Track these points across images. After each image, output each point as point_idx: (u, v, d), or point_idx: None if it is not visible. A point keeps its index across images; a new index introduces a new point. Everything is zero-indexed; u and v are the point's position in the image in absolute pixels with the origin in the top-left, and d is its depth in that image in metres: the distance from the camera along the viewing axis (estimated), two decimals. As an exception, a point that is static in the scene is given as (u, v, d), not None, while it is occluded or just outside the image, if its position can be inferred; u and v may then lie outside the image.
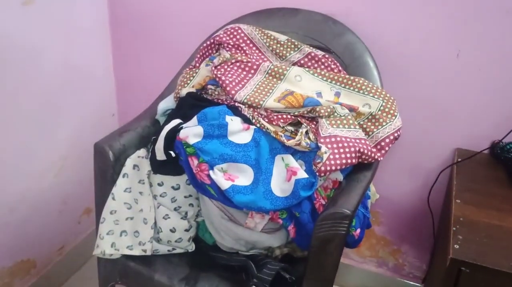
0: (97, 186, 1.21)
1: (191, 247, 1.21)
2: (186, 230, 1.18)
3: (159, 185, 1.19)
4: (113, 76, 1.76)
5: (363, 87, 1.21)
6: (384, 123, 1.16)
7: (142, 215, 1.17)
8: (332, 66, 1.29)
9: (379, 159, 1.13)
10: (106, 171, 1.18)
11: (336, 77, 1.24)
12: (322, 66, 1.29)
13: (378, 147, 1.15)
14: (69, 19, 1.49)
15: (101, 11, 1.63)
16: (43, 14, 1.38)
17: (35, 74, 1.41)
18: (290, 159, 1.11)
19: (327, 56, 1.29)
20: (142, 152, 1.22)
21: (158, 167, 1.18)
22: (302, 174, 1.08)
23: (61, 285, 1.69)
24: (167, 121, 1.21)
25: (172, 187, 1.19)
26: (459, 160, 1.31)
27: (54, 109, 1.52)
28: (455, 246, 1.00)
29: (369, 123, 1.17)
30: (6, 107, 1.34)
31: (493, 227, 1.06)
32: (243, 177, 1.09)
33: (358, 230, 1.12)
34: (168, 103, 1.30)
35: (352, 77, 1.23)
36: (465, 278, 0.98)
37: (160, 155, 1.15)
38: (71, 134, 1.61)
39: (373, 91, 1.21)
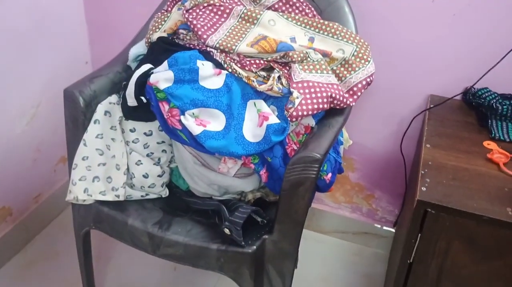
0: (68, 133, 1.19)
1: (165, 193, 1.21)
2: (159, 176, 1.19)
3: (131, 131, 1.19)
4: (85, 23, 1.71)
5: (337, 32, 1.20)
6: (357, 69, 1.16)
7: (114, 161, 1.16)
8: (307, 11, 1.27)
9: (351, 104, 1.13)
10: (77, 117, 1.17)
11: (310, 22, 1.22)
12: (297, 11, 1.27)
13: (351, 92, 1.15)
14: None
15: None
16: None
17: (4, 20, 1.37)
18: (262, 104, 1.11)
19: (301, 0, 1.27)
20: (113, 98, 1.21)
21: (129, 113, 1.17)
22: (274, 119, 1.08)
23: (38, 233, 1.70)
24: (138, 67, 1.19)
25: (144, 133, 1.19)
26: (432, 106, 1.32)
27: (26, 57, 1.48)
28: (422, 188, 1.02)
29: (342, 69, 1.16)
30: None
31: (460, 170, 1.08)
32: (215, 122, 1.09)
33: (330, 174, 1.14)
34: (139, 48, 1.27)
35: (326, 22, 1.22)
36: (430, 219, 1.01)
37: (131, 101, 1.14)
38: (43, 81, 1.58)
39: (347, 36, 1.19)
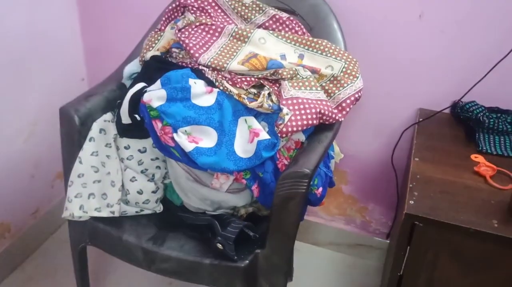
0: (64, 150, 1.22)
1: (159, 208, 1.24)
2: (153, 192, 1.21)
3: (125, 148, 1.21)
4: (81, 41, 1.74)
5: (326, 49, 1.23)
6: (345, 85, 1.18)
7: (109, 177, 1.19)
8: (297, 28, 1.30)
9: (340, 119, 1.16)
10: (73, 135, 1.19)
11: (300, 40, 1.25)
12: (287, 29, 1.30)
13: (340, 107, 1.17)
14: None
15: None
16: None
17: (1, 38, 1.40)
18: (252, 121, 1.13)
19: (291, 18, 1.30)
20: (108, 115, 1.23)
21: (124, 131, 1.19)
22: (264, 135, 1.11)
23: (37, 248, 1.72)
24: (132, 85, 1.22)
25: (139, 150, 1.21)
26: (420, 119, 1.35)
27: (21, 75, 1.51)
28: (410, 201, 1.04)
29: (331, 85, 1.19)
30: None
31: (447, 183, 1.11)
32: (207, 139, 1.12)
33: (320, 189, 1.16)
34: (133, 67, 1.30)
35: (315, 40, 1.25)
36: (418, 232, 1.03)
37: (126, 119, 1.17)
38: (40, 100, 1.60)
39: (335, 53, 1.22)
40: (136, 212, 1.21)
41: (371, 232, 1.71)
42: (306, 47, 1.25)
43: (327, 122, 1.15)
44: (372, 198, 1.65)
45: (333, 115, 1.14)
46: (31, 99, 1.57)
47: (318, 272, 1.69)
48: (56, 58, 1.64)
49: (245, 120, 1.14)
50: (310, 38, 1.25)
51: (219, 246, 1.07)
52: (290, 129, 1.08)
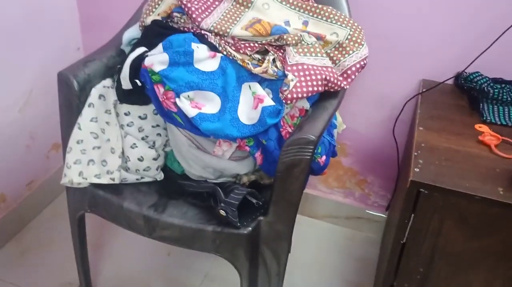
0: (62, 116, 1.19)
1: (160, 176, 1.22)
2: (154, 159, 1.19)
3: (125, 114, 1.19)
4: (77, 9, 1.70)
5: (331, 16, 1.21)
6: (350, 52, 1.16)
7: (109, 144, 1.17)
8: (301, -6, 1.27)
9: (345, 87, 1.14)
10: (71, 101, 1.16)
11: (304, 6, 1.23)
12: (291, -5, 1.27)
13: (345, 75, 1.16)
14: None
15: None
16: None
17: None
18: (257, 87, 1.11)
19: (295, -16, 1.27)
20: (107, 81, 1.21)
21: (124, 96, 1.17)
22: (268, 102, 1.09)
23: (32, 219, 1.70)
24: (132, 50, 1.19)
25: (139, 117, 1.19)
26: (424, 90, 1.34)
27: (16, 44, 1.48)
28: (415, 169, 1.04)
29: (336, 52, 1.17)
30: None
31: (452, 151, 1.10)
32: (210, 104, 1.10)
33: (324, 157, 1.15)
34: (133, 32, 1.27)
35: (320, 6, 1.22)
36: (423, 199, 1.03)
37: (126, 84, 1.14)
38: (35, 69, 1.57)
39: (340, 20, 1.20)
40: (137, 179, 1.19)
41: (370, 205, 1.71)
42: (311, 14, 1.22)
43: (332, 90, 1.13)
44: (372, 170, 1.64)
45: (339, 83, 1.12)
46: (26, 69, 1.54)
47: (316, 244, 1.70)
48: (51, 27, 1.61)
49: (249, 86, 1.12)
50: (315, 5, 1.23)
51: (222, 212, 1.06)
52: (295, 95, 1.06)
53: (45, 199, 1.75)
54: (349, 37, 1.19)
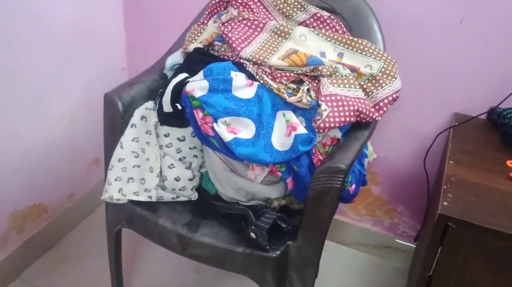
0: (106, 135, 1.26)
1: (194, 196, 1.27)
2: (190, 179, 1.25)
3: (165, 135, 1.25)
4: (124, 31, 1.79)
5: (366, 48, 1.24)
6: (384, 85, 1.20)
7: (148, 163, 1.23)
8: (337, 27, 1.32)
9: (377, 119, 1.17)
10: (115, 120, 1.23)
11: (339, 38, 1.27)
12: (327, 27, 1.32)
13: (377, 107, 1.19)
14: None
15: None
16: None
17: (49, 28, 1.46)
18: (291, 115, 1.16)
19: (332, 17, 1.32)
20: (150, 104, 1.27)
21: (164, 119, 1.23)
22: (301, 130, 1.13)
23: (71, 230, 1.78)
24: (174, 76, 1.25)
25: (178, 138, 1.25)
26: (456, 123, 1.35)
27: (67, 63, 1.57)
28: (444, 203, 1.05)
29: (369, 84, 1.21)
30: (23, 58, 1.40)
31: (481, 187, 1.11)
32: (245, 130, 1.14)
33: (354, 186, 1.17)
34: (176, 58, 1.34)
35: (355, 39, 1.26)
36: (451, 233, 1.04)
37: (167, 107, 1.20)
38: (82, 87, 1.66)
39: (375, 53, 1.24)
40: (172, 198, 1.25)
41: (399, 234, 1.72)
42: (346, 46, 1.26)
43: (364, 121, 1.16)
44: (402, 200, 1.65)
45: (371, 114, 1.15)
46: (74, 86, 1.63)
47: (343, 270, 1.71)
48: (99, 48, 1.70)
49: (283, 114, 1.16)
50: (350, 37, 1.27)
51: (252, 235, 1.10)
52: (327, 125, 1.10)
53: (84, 211, 1.82)
54: (382, 70, 1.22)
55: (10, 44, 1.35)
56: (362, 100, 1.15)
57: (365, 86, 1.20)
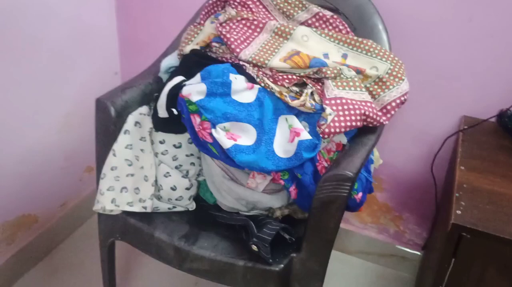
0: (98, 142, 1.20)
1: (192, 206, 1.21)
2: (187, 189, 1.18)
3: (160, 142, 1.18)
4: (116, 34, 1.73)
5: (371, 49, 1.19)
6: (391, 87, 1.14)
7: (143, 172, 1.16)
8: (340, 27, 1.26)
9: (384, 123, 1.11)
10: (108, 127, 1.17)
11: (343, 39, 1.21)
12: (330, 27, 1.26)
13: (384, 110, 1.13)
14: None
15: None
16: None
17: (42, 32, 1.41)
18: (294, 120, 1.09)
19: (335, 17, 1.26)
20: (144, 109, 1.21)
21: (160, 124, 1.17)
22: (305, 135, 1.07)
23: (63, 241, 1.70)
24: (170, 79, 1.19)
25: (174, 145, 1.19)
26: (465, 127, 1.30)
27: (58, 67, 1.51)
28: (457, 211, 0.99)
29: (375, 87, 1.15)
30: (15, 63, 1.34)
31: (496, 194, 1.05)
32: (246, 136, 1.08)
33: (360, 194, 1.12)
34: (171, 60, 1.28)
35: (360, 39, 1.20)
36: (465, 244, 0.98)
37: (162, 112, 1.14)
38: (74, 92, 1.60)
39: (381, 54, 1.18)
40: (168, 208, 1.18)
41: (405, 242, 1.65)
42: (350, 47, 1.21)
43: (370, 125, 1.10)
44: (408, 207, 1.59)
45: (378, 118, 1.09)
46: (66, 91, 1.57)
47: (347, 280, 1.64)
48: (91, 51, 1.64)
49: (286, 119, 1.10)
50: (355, 38, 1.21)
51: (254, 247, 1.03)
52: (333, 130, 1.04)
53: (77, 221, 1.75)
54: (389, 71, 1.16)
55: (6, 44, 1.29)
56: (368, 104, 1.09)
57: (371, 89, 1.14)
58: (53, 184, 1.61)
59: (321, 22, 1.27)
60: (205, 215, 1.20)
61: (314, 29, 1.23)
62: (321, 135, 1.05)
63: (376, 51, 1.18)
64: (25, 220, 1.54)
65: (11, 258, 1.51)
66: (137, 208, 1.15)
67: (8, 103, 1.37)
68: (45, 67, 1.46)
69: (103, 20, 1.66)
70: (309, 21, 1.27)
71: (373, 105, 1.11)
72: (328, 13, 1.27)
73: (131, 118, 1.18)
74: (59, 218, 1.67)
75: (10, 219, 1.48)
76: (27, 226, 1.55)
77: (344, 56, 1.20)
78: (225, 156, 1.07)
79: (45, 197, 1.60)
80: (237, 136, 1.08)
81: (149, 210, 1.15)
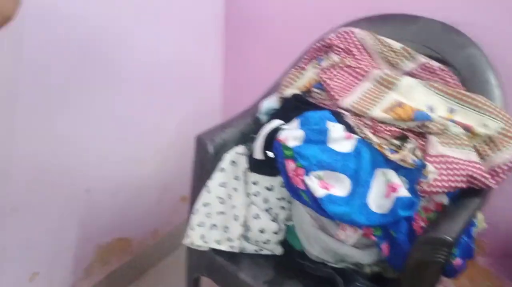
0: (194, 177, 1.23)
1: (278, 250, 1.19)
2: (275, 233, 1.17)
3: (253, 183, 1.19)
4: (221, 72, 1.79)
5: (481, 105, 1.11)
6: (502, 148, 1.05)
7: (233, 211, 1.17)
8: (448, 79, 1.20)
9: (492, 187, 1.03)
10: (205, 163, 1.20)
11: (451, 92, 1.15)
12: (437, 79, 1.21)
13: (493, 172, 1.04)
14: (186, 16, 1.55)
15: (217, 7, 1.67)
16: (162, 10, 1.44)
17: (147, 63, 1.47)
18: (392, 174, 1.05)
19: (443, 68, 1.20)
20: (240, 148, 1.23)
21: (255, 166, 1.18)
22: (403, 192, 1.01)
23: (152, 267, 1.76)
24: (268, 121, 1.20)
25: (266, 187, 1.19)
26: None
27: (161, 100, 1.58)
28: None
29: (485, 147, 1.07)
30: (120, 96, 1.42)
31: None
32: (340, 186, 1.05)
33: (459, 260, 1.03)
34: (271, 102, 1.29)
35: (469, 94, 1.14)
36: None
37: (258, 154, 1.15)
38: (175, 125, 1.66)
39: (493, 111, 1.10)
40: (255, 250, 1.18)
41: (505, 314, 1.50)
42: (458, 101, 1.14)
43: (476, 187, 1.03)
44: (512, 276, 1.45)
45: (486, 181, 1.01)
46: (168, 124, 1.64)
47: None
48: (195, 87, 1.70)
49: (383, 172, 1.06)
50: (464, 92, 1.15)
51: (340, 304, 0.99)
52: (434, 189, 0.98)
53: (167, 249, 1.80)
54: (501, 130, 1.08)
55: (112, 78, 1.38)
56: (476, 165, 1.02)
57: (479, 149, 1.07)
58: (148, 212, 1.68)
59: (427, 73, 1.22)
60: (291, 261, 1.17)
61: (420, 80, 1.19)
62: (420, 193, 0.99)
63: (487, 108, 1.10)
64: (120, 243, 1.61)
65: (104, 279, 1.58)
66: (224, 247, 1.15)
67: (114, 137, 1.45)
68: (147, 101, 1.51)
69: (211, 58, 1.73)
70: (415, 71, 1.23)
71: (481, 166, 1.03)
72: (436, 64, 1.21)
73: (227, 157, 1.21)
74: (150, 245, 1.73)
75: (106, 241, 1.56)
76: (121, 249, 1.62)
77: (451, 110, 1.14)
78: (316, 205, 1.05)
79: (140, 223, 1.67)
80: (331, 186, 1.05)
81: (236, 250, 1.15)
